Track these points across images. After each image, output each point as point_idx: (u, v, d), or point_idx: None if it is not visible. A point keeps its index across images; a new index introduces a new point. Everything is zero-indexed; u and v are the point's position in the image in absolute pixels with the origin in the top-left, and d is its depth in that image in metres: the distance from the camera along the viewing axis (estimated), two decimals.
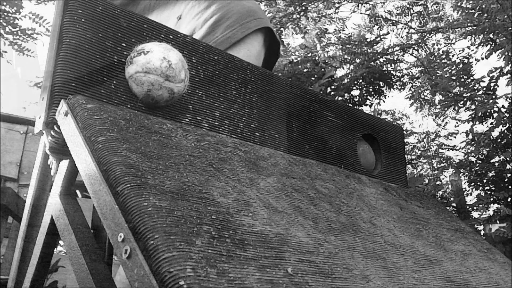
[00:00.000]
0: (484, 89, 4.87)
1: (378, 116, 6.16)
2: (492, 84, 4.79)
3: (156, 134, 0.58)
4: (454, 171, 5.94)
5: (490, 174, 5.48)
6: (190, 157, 0.56)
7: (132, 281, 0.40)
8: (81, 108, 0.56)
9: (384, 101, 6.01)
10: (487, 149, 5.29)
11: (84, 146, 0.50)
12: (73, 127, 0.54)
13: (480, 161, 5.50)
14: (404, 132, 1.30)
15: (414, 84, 6.62)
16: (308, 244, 0.52)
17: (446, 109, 5.82)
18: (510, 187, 5.07)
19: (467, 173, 5.78)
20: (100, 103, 0.60)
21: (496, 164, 5.32)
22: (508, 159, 5.08)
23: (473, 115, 4.96)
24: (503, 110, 4.72)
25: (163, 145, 0.56)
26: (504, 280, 0.78)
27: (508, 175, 5.19)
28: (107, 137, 0.50)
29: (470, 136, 5.23)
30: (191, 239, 0.41)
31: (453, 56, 5.27)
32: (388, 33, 6.93)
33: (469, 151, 5.55)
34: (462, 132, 5.96)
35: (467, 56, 5.09)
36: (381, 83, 5.62)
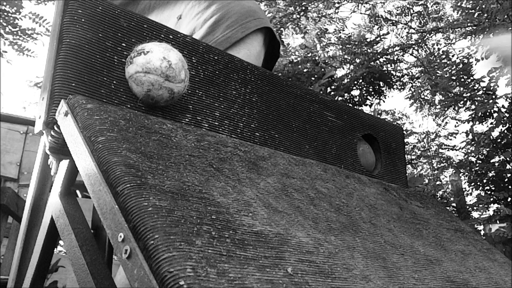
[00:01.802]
0: (484, 89, 4.87)
1: (378, 116, 6.16)
2: (492, 84, 4.79)
3: (156, 134, 0.58)
4: (454, 171, 5.94)
5: (490, 174, 5.48)
6: (190, 157, 0.56)
7: (132, 281, 0.40)
8: (81, 108, 0.56)
9: (384, 101, 6.02)
10: (487, 149, 5.30)
11: (84, 146, 0.50)
12: (73, 127, 0.54)
13: (480, 161, 5.50)
14: (404, 132, 1.30)
15: (414, 84, 6.62)
16: (308, 244, 0.52)
17: (446, 109, 5.82)
18: (510, 187, 5.07)
19: (467, 173, 5.79)
20: (100, 103, 0.60)
21: (496, 164, 5.33)
22: (508, 159, 5.08)
23: (473, 115, 4.97)
24: (503, 110, 4.73)
25: (163, 145, 0.56)
26: (504, 280, 0.78)
27: (508, 175, 5.20)
28: (107, 137, 0.50)
29: (470, 136, 5.24)
30: (191, 239, 0.41)
31: (453, 56, 5.27)
32: (388, 33, 6.93)
33: (469, 151, 5.56)
34: (462, 132, 5.97)
35: (467, 56, 5.09)
36: (381, 83, 5.62)
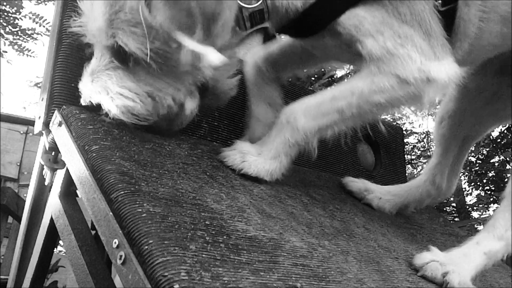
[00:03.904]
0: None
1: None
2: None
3: (150, 143, 0.58)
4: None
5: (490, 174, 5.48)
6: (184, 164, 0.57)
7: (127, 286, 0.40)
8: (74, 118, 0.57)
9: None
10: (487, 149, 5.29)
11: (78, 155, 0.51)
12: (67, 136, 0.55)
13: (480, 161, 5.50)
14: (404, 132, 1.31)
15: None
16: (302, 248, 0.52)
17: None
18: None
19: (467, 173, 5.78)
20: (93, 113, 0.60)
21: (496, 164, 5.33)
22: (508, 159, 5.08)
23: None
24: None
25: (157, 153, 0.56)
26: (499, 282, 0.79)
27: (508, 175, 5.18)
28: (100, 146, 0.51)
29: None
30: (185, 244, 0.42)
31: None
32: None
33: (469, 151, 5.55)
34: None
35: None
36: None
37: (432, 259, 0.64)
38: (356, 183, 0.87)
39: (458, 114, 0.87)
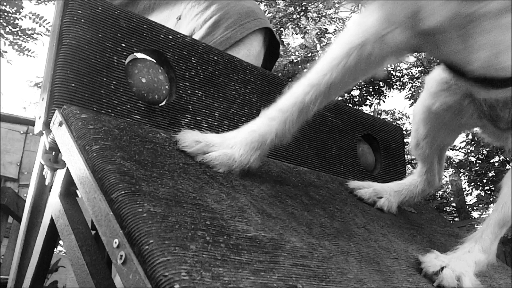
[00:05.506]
0: None
1: (378, 116, 6.15)
2: None
3: (150, 143, 0.58)
4: (454, 171, 5.95)
5: (490, 174, 5.49)
6: (184, 165, 0.57)
7: (127, 286, 0.40)
8: (75, 118, 0.57)
9: (384, 101, 6.02)
10: (487, 149, 5.30)
11: (78, 154, 0.51)
12: (68, 136, 0.55)
13: (480, 161, 5.51)
14: (404, 132, 1.32)
15: (414, 84, 6.61)
16: (302, 248, 0.52)
17: None
18: None
19: (467, 173, 5.79)
20: (94, 113, 0.60)
21: (496, 164, 5.33)
22: (508, 159, 5.08)
23: None
24: None
25: (157, 153, 0.56)
26: (499, 283, 0.79)
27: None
28: (101, 146, 0.51)
29: (470, 136, 5.23)
30: (185, 244, 0.42)
31: None
32: None
33: (469, 151, 5.56)
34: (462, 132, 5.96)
35: None
36: (381, 83, 5.63)
37: (441, 265, 0.66)
38: (366, 190, 0.87)
39: (431, 133, 0.88)
